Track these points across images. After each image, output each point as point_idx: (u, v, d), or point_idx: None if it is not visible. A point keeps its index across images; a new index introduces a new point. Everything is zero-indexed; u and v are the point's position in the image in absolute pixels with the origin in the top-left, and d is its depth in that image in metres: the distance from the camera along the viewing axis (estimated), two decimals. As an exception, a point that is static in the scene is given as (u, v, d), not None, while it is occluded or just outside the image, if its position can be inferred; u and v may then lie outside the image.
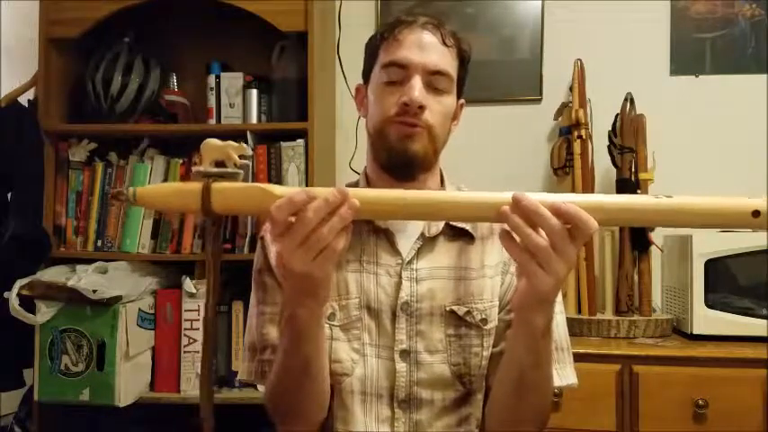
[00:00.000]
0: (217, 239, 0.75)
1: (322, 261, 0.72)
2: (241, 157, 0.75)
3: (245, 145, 0.75)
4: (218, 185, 0.73)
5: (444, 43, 0.96)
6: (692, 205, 0.71)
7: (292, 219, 0.71)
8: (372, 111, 0.99)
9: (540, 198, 0.71)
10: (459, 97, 1.02)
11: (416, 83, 0.93)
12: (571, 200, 0.71)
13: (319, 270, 0.74)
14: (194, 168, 0.74)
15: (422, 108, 0.93)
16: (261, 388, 1.00)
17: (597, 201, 0.73)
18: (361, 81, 1.06)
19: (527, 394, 0.86)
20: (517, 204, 0.70)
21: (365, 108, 1.03)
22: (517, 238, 0.71)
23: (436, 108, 0.95)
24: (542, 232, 0.71)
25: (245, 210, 0.73)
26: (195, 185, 0.73)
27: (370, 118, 1.00)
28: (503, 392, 0.90)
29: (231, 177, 0.74)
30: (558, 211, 0.70)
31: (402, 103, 0.93)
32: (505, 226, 0.72)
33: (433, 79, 0.95)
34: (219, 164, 0.74)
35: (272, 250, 0.95)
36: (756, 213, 0.70)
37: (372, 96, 0.99)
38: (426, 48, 0.95)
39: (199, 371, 1.78)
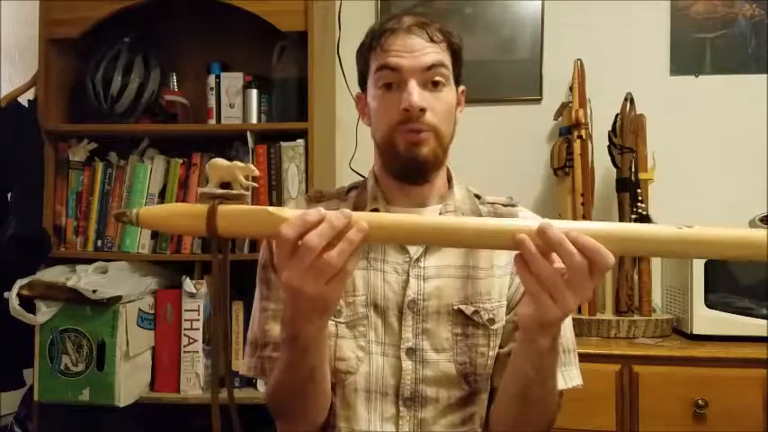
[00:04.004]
0: (224, 269, 0.72)
1: (335, 284, 0.72)
2: (248, 178, 0.74)
3: (251, 166, 0.74)
4: (224, 208, 0.72)
5: (432, 40, 0.96)
6: (713, 237, 0.71)
7: (298, 242, 0.70)
8: (375, 120, 0.99)
9: (561, 227, 0.70)
10: (458, 86, 1.02)
11: (413, 87, 0.93)
12: (592, 228, 0.71)
13: (333, 292, 0.73)
14: (200, 190, 0.74)
15: (423, 111, 0.93)
16: (260, 382, 0.99)
17: (616, 230, 0.72)
18: (359, 89, 1.06)
19: (531, 406, 0.87)
20: (542, 234, 0.70)
21: (368, 116, 1.03)
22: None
23: (437, 106, 0.95)
24: (558, 263, 0.70)
25: (251, 233, 0.71)
26: (201, 207, 0.72)
27: (374, 128, 1.00)
28: (507, 399, 0.90)
29: (237, 199, 0.73)
30: (577, 245, 0.69)
31: (403, 109, 0.93)
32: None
33: (429, 75, 0.94)
34: (225, 185, 0.73)
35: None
36: None
37: (373, 104, 0.99)
38: (415, 50, 0.94)
39: (198, 371, 1.80)
